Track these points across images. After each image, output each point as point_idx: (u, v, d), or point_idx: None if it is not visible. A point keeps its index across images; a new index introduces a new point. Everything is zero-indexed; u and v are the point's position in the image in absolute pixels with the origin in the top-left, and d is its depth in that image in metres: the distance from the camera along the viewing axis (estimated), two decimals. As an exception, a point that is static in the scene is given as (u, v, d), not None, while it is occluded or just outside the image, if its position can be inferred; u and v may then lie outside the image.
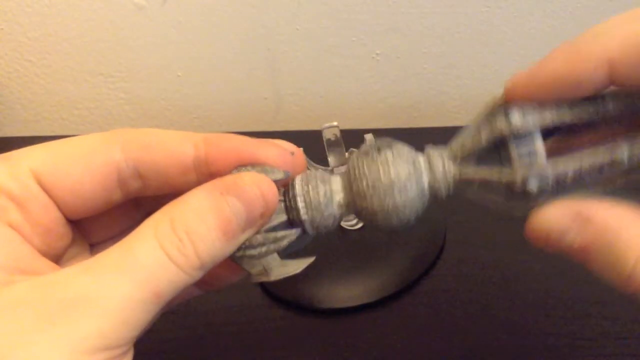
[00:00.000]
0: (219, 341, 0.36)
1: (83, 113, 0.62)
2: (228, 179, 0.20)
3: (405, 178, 0.20)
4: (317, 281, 0.39)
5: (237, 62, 0.58)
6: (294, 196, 0.21)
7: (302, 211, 0.21)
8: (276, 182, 0.21)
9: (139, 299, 0.17)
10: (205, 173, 0.22)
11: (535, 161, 0.20)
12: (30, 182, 0.21)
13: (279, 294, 0.39)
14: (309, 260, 0.21)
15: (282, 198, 0.22)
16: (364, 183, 0.21)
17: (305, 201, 0.21)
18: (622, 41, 0.18)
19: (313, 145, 0.40)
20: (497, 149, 0.21)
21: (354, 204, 0.21)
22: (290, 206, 0.21)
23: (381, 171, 0.21)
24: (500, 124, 0.20)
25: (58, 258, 0.22)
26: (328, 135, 0.38)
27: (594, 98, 0.20)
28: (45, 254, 0.21)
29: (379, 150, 0.21)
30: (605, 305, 0.37)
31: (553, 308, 0.37)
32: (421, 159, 0.22)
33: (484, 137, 0.20)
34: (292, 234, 0.21)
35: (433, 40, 0.57)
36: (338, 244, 0.42)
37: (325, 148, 0.38)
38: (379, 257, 0.41)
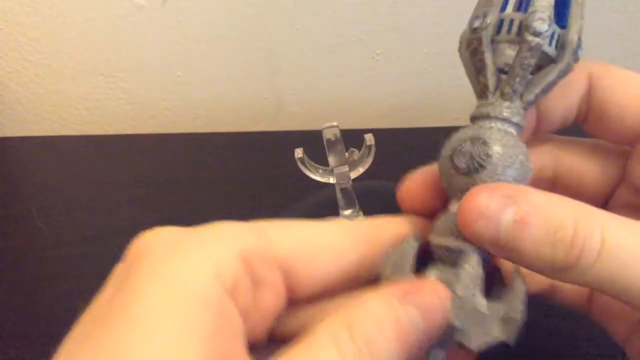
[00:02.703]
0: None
1: (83, 113, 0.62)
2: (407, 286, 0.19)
3: (512, 146, 0.21)
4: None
5: (237, 62, 0.58)
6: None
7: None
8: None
9: None
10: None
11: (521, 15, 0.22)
12: (274, 271, 0.19)
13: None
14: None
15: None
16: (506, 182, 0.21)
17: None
18: None
19: (313, 145, 0.40)
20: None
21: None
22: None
23: (507, 164, 0.21)
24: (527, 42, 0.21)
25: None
26: (328, 135, 0.38)
27: None
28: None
29: (486, 154, 0.21)
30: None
31: (553, 308, 0.37)
32: (492, 123, 0.22)
33: (528, 68, 0.22)
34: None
35: (433, 40, 0.57)
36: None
37: (325, 148, 0.38)
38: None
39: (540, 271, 0.20)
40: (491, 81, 0.23)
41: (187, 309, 0.16)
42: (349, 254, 0.21)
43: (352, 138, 0.39)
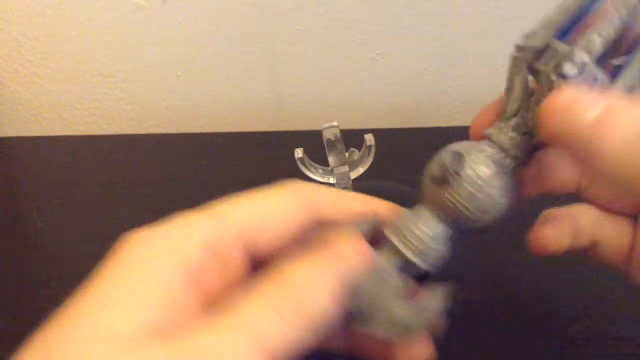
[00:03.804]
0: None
1: (83, 113, 0.62)
2: (326, 240, 0.21)
3: (489, 176, 0.21)
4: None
5: (237, 62, 0.58)
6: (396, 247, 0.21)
7: (410, 255, 0.21)
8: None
9: (253, 356, 0.18)
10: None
11: (561, 54, 0.20)
12: (238, 246, 0.21)
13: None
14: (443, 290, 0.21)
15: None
16: (466, 209, 0.21)
17: (410, 249, 0.21)
18: None
19: (313, 145, 0.40)
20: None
21: (456, 226, 0.22)
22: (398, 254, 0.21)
23: (473, 190, 0.21)
24: (512, 56, 0.22)
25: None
26: (328, 135, 0.38)
27: None
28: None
29: (456, 172, 0.21)
30: (605, 305, 0.37)
31: (552, 308, 0.37)
32: (486, 146, 0.22)
33: (515, 80, 0.21)
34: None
35: (433, 40, 0.57)
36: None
37: (325, 148, 0.38)
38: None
39: (614, 177, 0.19)
40: (511, 106, 0.22)
41: (138, 288, 0.18)
42: (297, 216, 0.22)
43: (352, 138, 0.39)
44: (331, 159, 0.39)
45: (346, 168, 0.39)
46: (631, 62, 0.20)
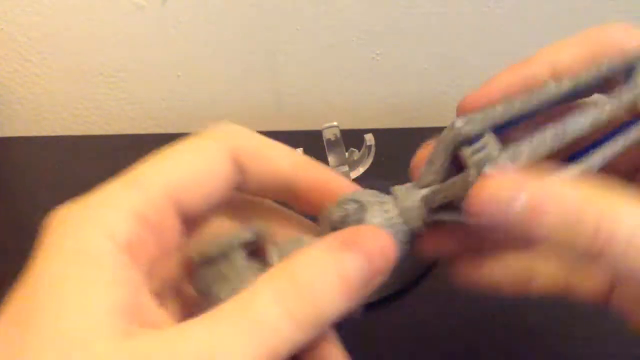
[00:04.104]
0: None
1: (83, 113, 0.62)
2: (347, 233, 0.19)
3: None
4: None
5: (237, 62, 0.58)
6: (270, 259, 0.21)
7: None
8: None
9: (257, 356, 0.17)
10: (293, 195, 0.23)
11: (487, 153, 0.20)
12: (168, 210, 0.20)
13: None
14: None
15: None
16: None
17: None
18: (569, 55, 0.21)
19: (313, 145, 0.40)
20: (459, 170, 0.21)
21: None
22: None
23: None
24: (447, 133, 0.20)
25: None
26: (328, 135, 0.38)
27: (539, 88, 0.21)
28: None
29: (356, 222, 0.21)
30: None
31: (553, 308, 0.37)
32: (389, 205, 0.21)
33: (439, 156, 0.21)
34: None
35: (433, 40, 0.57)
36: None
37: (325, 148, 0.38)
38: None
39: (560, 254, 0.19)
40: (426, 178, 0.21)
41: (87, 275, 0.17)
42: (225, 168, 0.21)
43: (352, 138, 0.39)
44: (331, 159, 0.39)
45: (346, 168, 0.39)
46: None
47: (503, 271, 0.23)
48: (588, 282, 0.24)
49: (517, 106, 0.20)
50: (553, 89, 0.21)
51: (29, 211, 0.48)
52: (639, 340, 0.35)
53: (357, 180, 0.40)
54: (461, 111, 0.22)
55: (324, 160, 0.39)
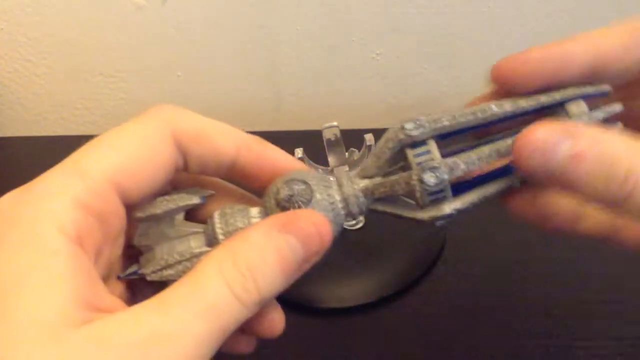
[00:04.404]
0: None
1: (83, 113, 0.62)
2: (285, 216, 0.21)
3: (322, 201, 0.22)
4: (317, 281, 0.39)
5: (237, 62, 0.58)
6: (213, 225, 0.22)
7: (221, 239, 0.22)
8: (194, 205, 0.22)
9: (209, 336, 0.18)
10: (238, 174, 0.23)
11: (430, 159, 0.22)
12: (112, 197, 0.20)
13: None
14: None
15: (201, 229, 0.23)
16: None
17: (224, 233, 0.22)
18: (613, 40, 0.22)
19: (313, 145, 0.40)
20: (401, 169, 0.23)
21: None
22: (211, 234, 0.22)
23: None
24: (396, 133, 0.22)
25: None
26: (328, 135, 0.38)
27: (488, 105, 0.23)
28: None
29: (302, 202, 0.22)
30: (605, 306, 0.37)
31: (553, 308, 0.37)
32: (332, 179, 0.23)
33: (385, 152, 0.23)
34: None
35: (433, 40, 0.57)
36: (338, 244, 0.42)
37: (325, 148, 0.38)
38: (379, 257, 0.41)
39: (595, 202, 0.20)
40: (370, 170, 0.23)
41: (41, 267, 0.18)
42: (166, 151, 0.22)
43: (352, 138, 0.39)
44: (331, 159, 0.39)
45: (346, 168, 0.39)
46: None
47: (554, 208, 0.23)
48: (631, 230, 0.24)
49: (462, 121, 0.22)
50: (495, 110, 0.23)
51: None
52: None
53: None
54: (495, 73, 0.23)
55: (324, 160, 0.39)
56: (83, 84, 0.60)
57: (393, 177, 0.22)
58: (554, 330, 0.36)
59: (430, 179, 0.21)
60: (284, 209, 0.22)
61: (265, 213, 0.22)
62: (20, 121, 0.63)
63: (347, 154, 0.39)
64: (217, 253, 0.20)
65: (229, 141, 0.23)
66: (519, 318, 0.37)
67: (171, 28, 0.57)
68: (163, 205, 0.22)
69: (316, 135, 0.39)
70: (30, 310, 0.17)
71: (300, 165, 0.24)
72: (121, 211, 0.21)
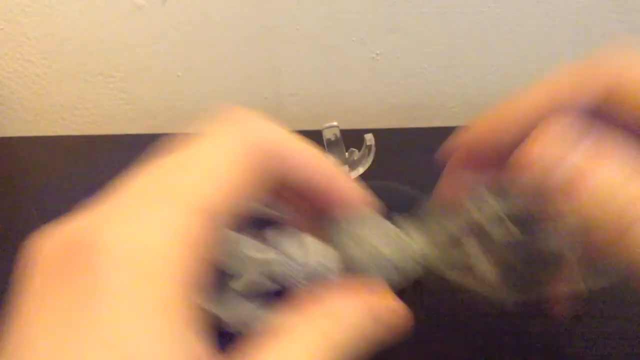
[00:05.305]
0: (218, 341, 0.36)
1: (83, 113, 0.62)
2: (381, 302, 0.22)
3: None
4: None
5: (237, 62, 0.58)
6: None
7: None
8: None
9: None
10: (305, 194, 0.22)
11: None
12: (212, 230, 0.17)
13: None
14: None
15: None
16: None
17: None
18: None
19: (313, 145, 0.40)
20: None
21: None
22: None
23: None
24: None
25: None
26: (328, 135, 0.38)
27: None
28: None
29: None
30: (605, 305, 0.37)
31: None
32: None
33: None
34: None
35: (433, 40, 0.57)
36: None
37: (325, 148, 0.38)
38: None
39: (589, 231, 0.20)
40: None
41: (168, 296, 0.15)
42: (253, 179, 0.19)
43: (352, 138, 0.39)
44: (331, 159, 0.39)
45: (346, 168, 0.39)
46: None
47: None
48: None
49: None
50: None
51: (28, 211, 0.48)
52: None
53: (357, 180, 0.40)
54: (443, 157, 0.24)
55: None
56: (83, 84, 0.60)
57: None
58: (554, 330, 0.36)
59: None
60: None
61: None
62: (20, 121, 0.63)
63: (347, 154, 0.39)
64: (308, 325, 0.19)
65: (314, 171, 0.22)
66: (519, 318, 0.37)
67: (171, 28, 0.57)
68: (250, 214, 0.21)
69: (316, 135, 0.39)
70: None
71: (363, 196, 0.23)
72: (213, 242, 0.18)
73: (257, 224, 0.22)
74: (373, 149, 0.39)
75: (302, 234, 0.22)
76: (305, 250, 0.22)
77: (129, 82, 0.60)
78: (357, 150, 0.39)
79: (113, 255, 0.15)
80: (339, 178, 0.22)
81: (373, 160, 0.40)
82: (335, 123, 0.38)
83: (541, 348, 0.35)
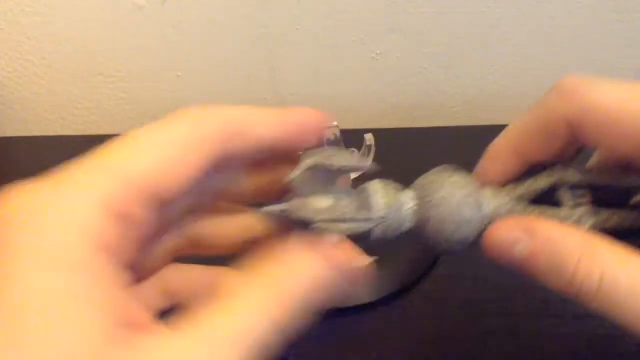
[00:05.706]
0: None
1: (83, 113, 0.62)
2: (339, 252, 0.21)
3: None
4: (317, 281, 0.39)
5: (237, 62, 0.58)
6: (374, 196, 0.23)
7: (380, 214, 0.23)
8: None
9: None
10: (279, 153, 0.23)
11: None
12: (137, 204, 0.18)
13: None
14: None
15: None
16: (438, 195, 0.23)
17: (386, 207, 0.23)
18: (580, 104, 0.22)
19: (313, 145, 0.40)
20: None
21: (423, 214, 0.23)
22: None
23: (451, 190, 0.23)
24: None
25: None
26: (328, 135, 0.38)
27: None
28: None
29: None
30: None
31: (552, 308, 0.37)
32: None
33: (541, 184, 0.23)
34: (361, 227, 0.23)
35: (433, 40, 0.57)
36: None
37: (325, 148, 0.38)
38: (379, 257, 0.41)
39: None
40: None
41: (70, 287, 0.16)
42: (203, 153, 0.20)
43: (352, 138, 0.39)
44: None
45: (346, 168, 0.39)
46: None
47: None
48: None
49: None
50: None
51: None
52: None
53: (357, 180, 0.40)
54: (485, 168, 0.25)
55: (324, 160, 0.39)
56: (83, 84, 0.60)
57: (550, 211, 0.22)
58: (553, 331, 0.36)
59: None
60: None
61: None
62: (20, 121, 0.63)
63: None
64: (256, 279, 0.19)
65: (271, 127, 0.24)
66: (518, 318, 0.37)
67: (171, 28, 0.57)
68: (337, 160, 0.22)
69: (316, 135, 0.39)
70: (55, 343, 0.15)
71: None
72: (149, 218, 0.19)
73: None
74: (373, 149, 0.39)
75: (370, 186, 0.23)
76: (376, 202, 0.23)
77: (129, 82, 0.60)
78: (357, 151, 0.39)
79: (24, 217, 0.17)
80: (292, 115, 0.24)
81: (373, 160, 0.40)
82: (335, 123, 0.38)
83: (541, 348, 0.35)
